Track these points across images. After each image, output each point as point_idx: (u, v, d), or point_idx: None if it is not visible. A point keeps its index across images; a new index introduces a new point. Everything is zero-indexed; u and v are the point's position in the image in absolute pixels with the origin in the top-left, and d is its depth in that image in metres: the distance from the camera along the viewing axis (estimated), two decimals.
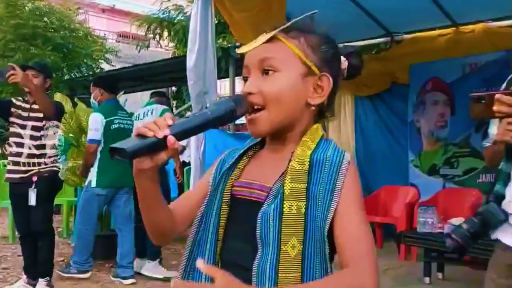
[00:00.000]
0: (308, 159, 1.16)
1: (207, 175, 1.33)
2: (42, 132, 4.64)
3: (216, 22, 7.88)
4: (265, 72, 1.20)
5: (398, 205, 6.68)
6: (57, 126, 4.79)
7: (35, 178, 4.56)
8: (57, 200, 7.35)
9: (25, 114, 4.63)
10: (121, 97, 7.68)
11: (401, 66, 7.28)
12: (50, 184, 4.67)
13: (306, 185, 1.14)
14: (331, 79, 1.23)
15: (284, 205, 1.12)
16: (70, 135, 6.34)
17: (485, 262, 5.24)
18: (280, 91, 1.19)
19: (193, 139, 5.06)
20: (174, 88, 15.16)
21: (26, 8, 10.77)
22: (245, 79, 1.24)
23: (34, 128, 4.60)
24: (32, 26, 10.27)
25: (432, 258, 5.17)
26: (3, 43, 10.37)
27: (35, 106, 4.59)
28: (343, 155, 1.18)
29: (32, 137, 4.60)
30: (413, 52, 7.16)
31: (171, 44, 15.28)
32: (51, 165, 4.68)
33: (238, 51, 1.27)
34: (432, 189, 6.61)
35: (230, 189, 1.26)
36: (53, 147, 4.70)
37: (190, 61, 5.12)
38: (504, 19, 6.45)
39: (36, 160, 4.60)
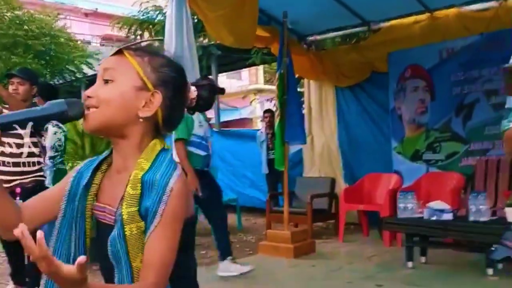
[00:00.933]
0: (140, 184, 1.26)
1: (62, 184, 1.44)
2: (25, 140, 4.60)
3: (196, 20, 7.93)
4: (105, 81, 1.33)
5: (381, 192, 6.75)
6: (58, 126, 4.75)
7: (18, 190, 4.46)
8: None
9: None
10: None
11: (380, 54, 7.34)
12: (35, 194, 4.58)
13: (138, 207, 1.25)
14: (160, 96, 1.33)
15: (126, 229, 1.24)
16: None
17: (467, 244, 5.38)
18: (111, 96, 1.31)
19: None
20: None
21: (6, 17, 10.75)
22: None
23: (17, 136, 4.46)
24: (12, 35, 10.26)
25: (414, 243, 5.24)
26: None
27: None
28: (169, 179, 1.26)
29: (17, 146, 4.50)
30: (391, 40, 7.23)
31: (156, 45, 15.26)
32: (35, 174, 4.57)
33: (98, 63, 1.40)
34: (416, 174, 6.69)
35: (91, 209, 1.38)
36: (54, 147, 4.65)
37: None
38: (476, 3, 6.53)
39: (19, 169, 4.49)
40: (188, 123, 4.43)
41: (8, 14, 10.77)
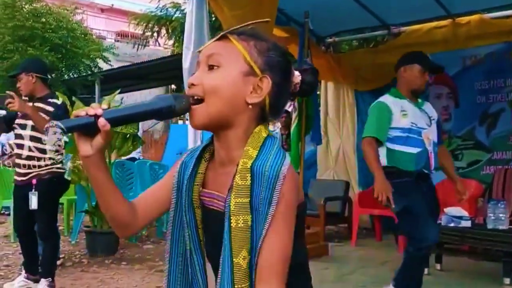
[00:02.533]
0: (249, 174, 1.21)
1: (169, 175, 1.41)
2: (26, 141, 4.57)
3: (214, 18, 7.93)
4: (210, 67, 1.27)
5: None
6: (58, 126, 4.71)
7: (34, 181, 4.50)
8: None
9: (23, 121, 4.58)
10: (117, 96, 7.71)
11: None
12: (52, 186, 4.58)
13: (249, 198, 1.20)
14: (270, 81, 1.28)
15: (232, 221, 1.20)
16: (69, 134, 6.34)
17: (484, 252, 5.32)
18: (219, 84, 1.25)
19: (190, 134, 5.11)
20: (173, 86, 15.20)
21: (24, 9, 10.78)
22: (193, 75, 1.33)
23: (34, 128, 4.51)
24: (30, 27, 10.27)
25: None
26: (1, 45, 10.40)
27: (36, 104, 4.52)
28: (280, 168, 1.21)
29: (32, 138, 4.54)
30: (411, 45, 7.12)
31: (170, 42, 15.31)
32: (51, 166, 4.59)
33: (197, 50, 1.36)
34: (435, 181, 6.61)
35: (198, 196, 1.35)
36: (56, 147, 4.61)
37: (186, 60, 5.16)
38: (499, 10, 6.48)
39: (36, 163, 4.54)
40: (380, 115, 3.87)
41: (27, 6, 10.80)
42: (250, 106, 1.27)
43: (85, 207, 6.46)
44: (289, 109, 8.13)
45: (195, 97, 1.26)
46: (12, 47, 10.24)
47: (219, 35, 1.29)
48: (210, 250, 1.33)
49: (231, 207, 1.20)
